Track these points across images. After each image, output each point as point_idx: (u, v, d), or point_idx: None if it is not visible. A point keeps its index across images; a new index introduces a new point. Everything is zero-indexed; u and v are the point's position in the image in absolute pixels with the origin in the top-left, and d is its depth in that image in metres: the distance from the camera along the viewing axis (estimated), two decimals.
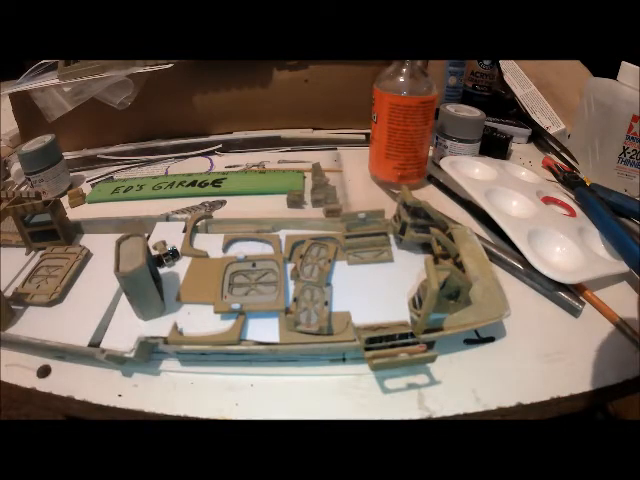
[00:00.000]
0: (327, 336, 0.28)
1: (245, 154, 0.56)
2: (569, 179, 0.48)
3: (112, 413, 0.26)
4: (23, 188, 0.50)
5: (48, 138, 0.46)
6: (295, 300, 0.30)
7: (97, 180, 0.52)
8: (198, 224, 0.38)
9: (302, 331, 0.28)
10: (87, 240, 0.39)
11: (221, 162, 0.54)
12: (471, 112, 0.48)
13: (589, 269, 0.33)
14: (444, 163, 0.45)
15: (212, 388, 0.28)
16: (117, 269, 0.28)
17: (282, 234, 0.37)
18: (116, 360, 0.28)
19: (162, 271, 0.34)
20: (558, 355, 0.29)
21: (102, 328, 0.29)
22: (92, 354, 0.27)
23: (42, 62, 0.55)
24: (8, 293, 0.32)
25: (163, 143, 0.59)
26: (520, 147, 0.57)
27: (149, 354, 0.29)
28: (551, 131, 0.56)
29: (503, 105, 0.59)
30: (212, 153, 0.57)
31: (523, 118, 0.58)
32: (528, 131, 0.57)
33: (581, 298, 0.32)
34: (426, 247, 0.35)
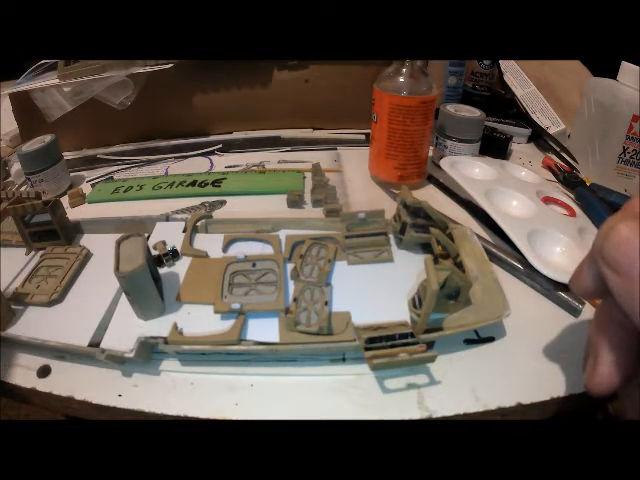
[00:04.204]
0: (327, 336, 0.28)
1: (245, 154, 0.56)
2: (569, 179, 0.48)
3: (112, 413, 0.26)
4: (23, 188, 0.50)
5: (48, 138, 0.46)
6: (295, 300, 0.30)
7: (97, 180, 0.52)
8: (198, 224, 0.38)
9: (302, 331, 0.28)
10: (87, 240, 0.39)
11: (221, 162, 0.54)
12: (471, 112, 0.48)
13: None
14: (444, 163, 0.45)
15: (212, 388, 0.28)
16: (117, 269, 0.28)
17: (282, 234, 0.37)
18: (116, 360, 0.28)
19: (162, 271, 0.34)
20: (558, 355, 0.29)
21: (102, 328, 0.29)
22: (92, 354, 0.27)
23: (42, 62, 0.55)
24: (8, 293, 0.32)
25: (163, 143, 0.59)
26: (520, 147, 0.57)
27: (149, 354, 0.29)
28: (551, 131, 0.56)
29: (503, 105, 0.59)
30: (212, 153, 0.57)
31: (523, 118, 0.58)
32: (528, 131, 0.57)
33: (581, 298, 0.32)
34: (426, 247, 0.35)
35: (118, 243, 0.30)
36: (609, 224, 0.17)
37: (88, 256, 0.36)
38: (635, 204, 0.18)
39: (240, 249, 0.35)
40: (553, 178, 0.50)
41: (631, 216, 0.17)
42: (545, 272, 0.32)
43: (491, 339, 0.30)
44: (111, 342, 0.28)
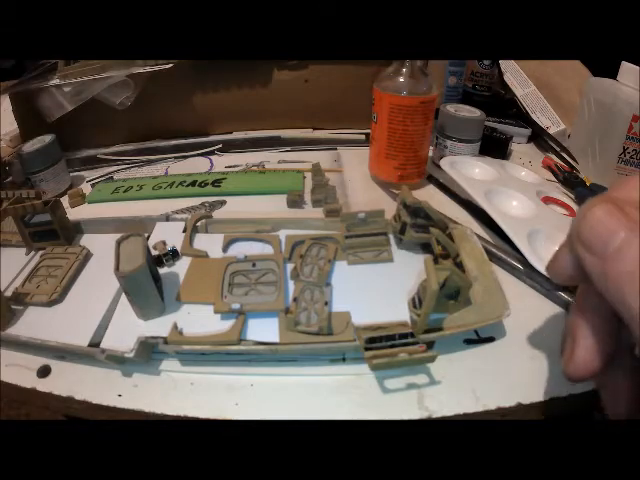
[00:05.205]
0: (327, 336, 0.28)
1: (245, 154, 0.56)
2: (569, 179, 0.48)
3: (112, 413, 0.26)
4: (23, 188, 0.50)
5: (48, 138, 0.46)
6: (295, 300, 0.30)
7: (97, 180, 0.52)
8: (198, 224, 0.38)
9: (302, 331, 0.28)
10: (87, 240, 0.39)
11: (221, 162, 0.54)
12: (471, 112, 0.48)
13: None
14: (444, 163, 0.45)
15: (212, 388, 0.28)
16: (117, 269, 0.28)
17: (282, 234, 0.37)
18: (116, 360, 0.28)
19: (162, 271, 0.34)
20: (558, 355, 0.29)
21: (102, 328, 0.29)
22: (92, 354, 0.27)
23: (42, 62, 0.55)
24: (8, 293, 0.32)
25: (163, 143, 0.59)
26: (520, 147, 0.57)
27: (149, 354, 0.29)
28: (551, 131, 0.56)
29: (503, 105, 0.59)
30: (212, 153, 0.57)
31: (523, 118, 0.58)
32: (528, 131, 0.57)
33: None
34: (426, 247, 0.35)
35: (118, 243, 0.30)
36: (586, 207, 0.18)
37: (88, 256, 0.36)
38: (612, 190, 0.19)
39: (240, 249, 0.35)
40: (553, 178, 0.50)
41: (607, 199, 0.18)
42: (545, 272, 0.32)
43: (491, 339, 0.30)
44: (111, 342, 0.28)
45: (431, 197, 0.46)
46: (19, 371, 0.29)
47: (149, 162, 0.55)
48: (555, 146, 0.55)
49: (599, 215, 0.17)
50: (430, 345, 0.29)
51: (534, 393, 0.26)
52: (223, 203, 0.46)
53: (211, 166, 0.54)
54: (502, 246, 0.37)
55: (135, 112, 0.53)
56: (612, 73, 0.45)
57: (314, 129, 0.61)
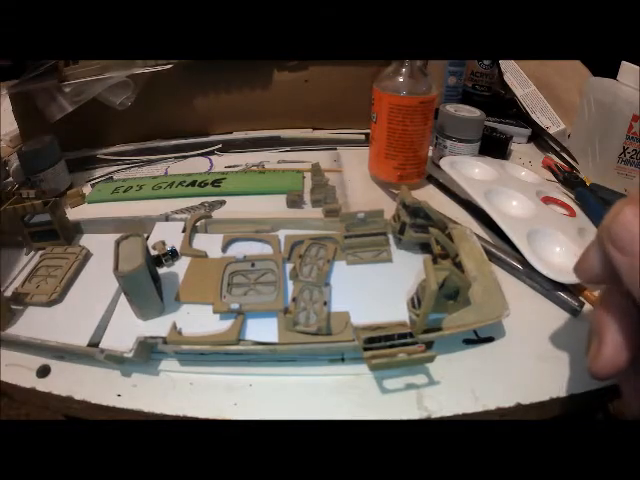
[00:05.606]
0: (326, 336, 0.28)
1: (245, 154, 0.56)
2: (569, 179, 0.48)
3: (111, 413, 0.26)
4: (23, 188, 0.50)
5: (48, 138, 0.46)
6: (294, 300, 0.30)
7: (97, 180, 0.52)
8: (197, 224, 0.38)
9: (301, 331, 0.28)
10: (87, 240, 0.39)
11: (221, 162, 0.54)
12: (471, 112, 0.48)
13: None
14: (444, 163, 0.45)
15: (211, 388, 0.28)
16: (116, 269, 0.28)
17: (281, 234, 0.37)
18: (115, 360, 0.28)
19: (161, 271, 0.34)
20: (557, 355, 0.29)
21: (101, 328, 0.29)
22: (91, 354, 0.28)
23: (42, 62, 0.55)
24: (8, 293, 0.32)
25: (163, 143, 0.59)
26: (520, 147, 0.57)
27: (148, 354, 0.29)
28: (551, 131, 0.56)
29: (503, 105, 0.59)
30: (212, 153, 0.57)
31: (523, 118, 0.58)
32: (528, 131, 0.57)
33: (580, 298, 0.32)
34: (425, 247, 0.35)
35: (117, 243, 0.30)
36: (616, 208, 0.18)
37: (88, 256, 0.36)
38: (636, 192, 0.19)
39: (239, 249, 0.35)
40: (553, 178, 0.50)
41: (635, 201, 0.18)
42: (545, 272, 0.32)
43: (490, 339, 0.30)
44: (110, 342, 0.28)
45: (431, 197, 0.46)
46: (19, 371, 0.29)
47: (149, 162, 0.55)
48: (555, 146, 0.55)
49: (629, 216, 0.18)
50: (429, 345, 0.29)
51: (533, 393, 0.26)
52: (223, 203, 0.46)
53: (211, 166, 0.54)
54: (502, 246, 0.37)
55: (135, 112, 0.53)
56: (612, 73, 0.45)
57: (314, 129, 0.61)
